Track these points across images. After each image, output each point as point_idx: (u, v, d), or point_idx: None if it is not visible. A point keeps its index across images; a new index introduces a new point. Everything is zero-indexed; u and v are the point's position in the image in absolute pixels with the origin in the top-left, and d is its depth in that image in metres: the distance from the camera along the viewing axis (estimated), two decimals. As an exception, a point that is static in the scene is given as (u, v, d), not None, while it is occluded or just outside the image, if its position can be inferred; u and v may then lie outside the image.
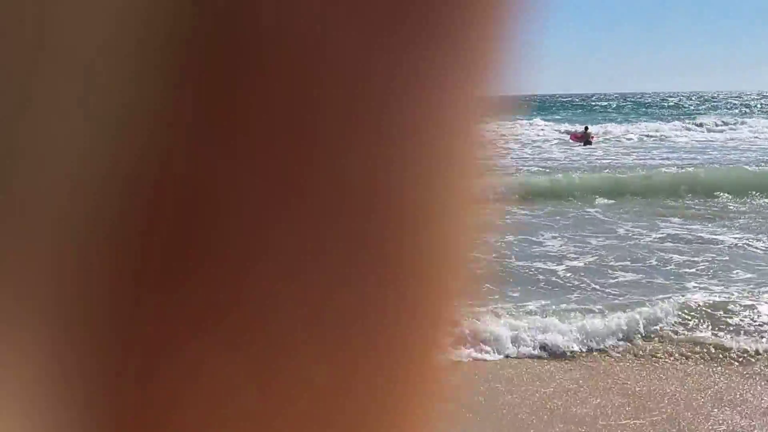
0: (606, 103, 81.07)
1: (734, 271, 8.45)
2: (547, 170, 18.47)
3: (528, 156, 24.79)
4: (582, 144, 28.98)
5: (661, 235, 10.53)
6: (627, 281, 8.09)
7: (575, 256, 9.20)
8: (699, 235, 10.53)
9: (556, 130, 34.49)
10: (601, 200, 13.53)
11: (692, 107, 66.61)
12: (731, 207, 12.76)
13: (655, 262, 8.85)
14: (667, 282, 8.00)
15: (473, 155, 0.27)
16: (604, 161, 22.31)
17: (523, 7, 0.27)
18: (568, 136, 31.58)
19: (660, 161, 21.85)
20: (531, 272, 8.45)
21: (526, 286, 7.88)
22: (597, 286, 7.91)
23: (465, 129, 0.26)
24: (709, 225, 11.31)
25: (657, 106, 71.35)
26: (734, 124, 36.97)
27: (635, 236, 10.46)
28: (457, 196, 0.26)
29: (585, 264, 8.82)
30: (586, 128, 31.47)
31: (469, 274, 0.28)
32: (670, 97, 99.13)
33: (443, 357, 0.27)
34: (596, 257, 9.11)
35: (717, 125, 36.46)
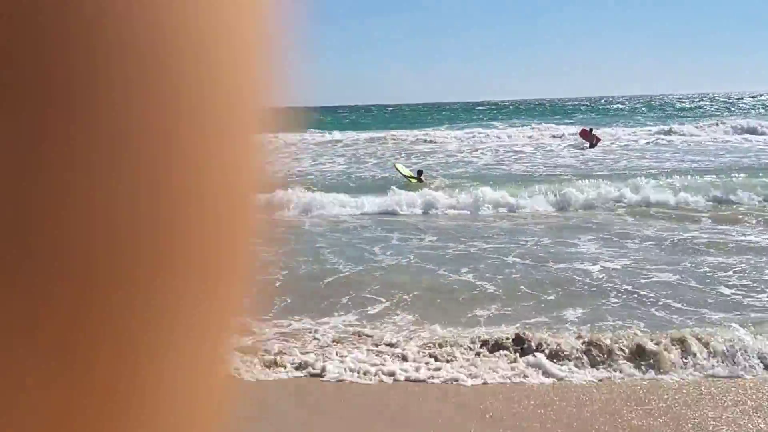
0: (617, 106, 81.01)
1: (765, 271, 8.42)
2: (567, 176, 18.45)
3: (540, 161, 24.76)
4: (588, 144, 29.38)
5: (692, 236, 10.60)
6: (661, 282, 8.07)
7: (610, 258, 9.23)
8: (730, 237, 10.54)
9: (554, 136, 34.62)
10: (624, 204, 13.57)
11: (703, 109, 66.40)
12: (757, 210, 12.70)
13: (689, 265, 8.82)
14: (701, 286, 7.95)
15: (253, 167, 0.27)
16: (620, 164, 22.30)
17: (297, 21, 0.27)
18: (578, 134, 32.08)
19: (675, 164, 21.80)
20: (568, 274, 8.49)
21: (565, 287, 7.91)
22: (630, 287, 7.88)
23: (244, 140, 0.26)
24: (738, 227, 11.31)
25: (669, 108, 71.16)
26: (747, 125, 36.81)
27: (665, 239, 10.48)
28: (235, 207, 0.26)
29: (622, 266, 8.83)
30: (591, 130, 31.85)
31: (245, 287, 0.27)
32: (681, 99, 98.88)
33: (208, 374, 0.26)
34: (632, 260, 9.11)
35: (733, 127, 36.28)
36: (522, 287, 7.90)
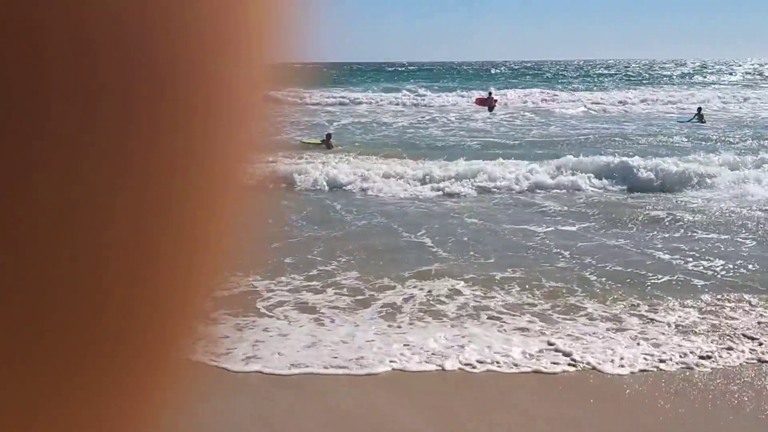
0: (541, 70, 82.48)
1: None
2: (486, 143, 19.17)
3: (456, 125, 25.16)
4: (486, 108, 30.44)
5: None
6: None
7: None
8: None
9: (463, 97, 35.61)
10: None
11: (625, 76, 68.55)
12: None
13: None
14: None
15: (249, 133, 0.26)
16: (534, 131, 23.17)
17: None
18: (473, 100, 33.28)
19: (587, 131, 22.73)
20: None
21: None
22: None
23: (246, 102, 0.25)
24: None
25: (590, 73, 73.19)
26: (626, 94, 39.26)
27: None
28: (224, 179, 0.25)
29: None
30: (490, 94, 33.26)
31: (217, 268, 0.27)
32: (606, 64, 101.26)
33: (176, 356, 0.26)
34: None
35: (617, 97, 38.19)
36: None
